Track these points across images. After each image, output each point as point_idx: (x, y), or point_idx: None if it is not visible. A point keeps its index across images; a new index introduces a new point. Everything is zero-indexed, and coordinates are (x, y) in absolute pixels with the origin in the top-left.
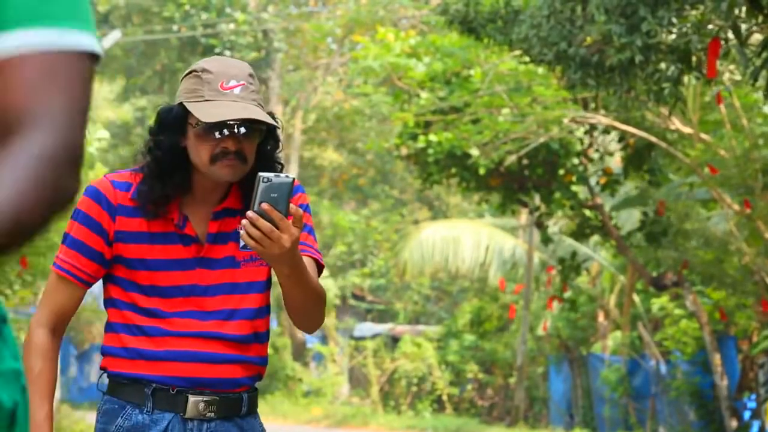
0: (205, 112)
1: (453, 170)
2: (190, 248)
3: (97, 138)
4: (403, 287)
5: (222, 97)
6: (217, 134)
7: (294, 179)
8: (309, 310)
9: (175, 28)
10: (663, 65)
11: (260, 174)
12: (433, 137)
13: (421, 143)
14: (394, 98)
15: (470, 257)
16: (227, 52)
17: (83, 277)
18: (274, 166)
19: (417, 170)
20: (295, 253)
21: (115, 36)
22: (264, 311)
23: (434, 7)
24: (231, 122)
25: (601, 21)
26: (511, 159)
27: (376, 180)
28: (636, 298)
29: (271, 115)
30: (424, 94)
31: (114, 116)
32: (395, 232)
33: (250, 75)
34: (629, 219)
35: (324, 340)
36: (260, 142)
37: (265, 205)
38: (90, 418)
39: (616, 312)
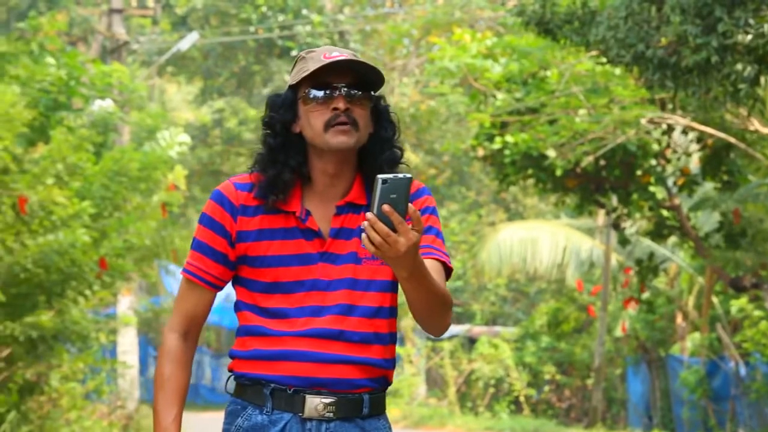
0: (311, 68)
1: (529, 171)
2: (313, 243)
3: (178, 142)
4: (480, 288)
5: (326, 62)
6: (324, 100)
7: (411, 178)
8: (432, 314)
9: (252, 30)
10: (739, 66)
11: (379, 176)
12: (509, 138)
13: (497, 144)
14: (470, 99)
15: (547, 258)
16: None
17: (210, 280)
18: (393, 151)
19: (493, 171)
20: (415, 257)
21: (192, 38)
22: (385, 312)
23: (511, 8)
24: (337, 85)
25: (676, 22)
26: (588, 160)
27: (452, 181)
28: (715, 299)
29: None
30: (500, 95)
31: (192, 118)
32: (472, 234)
33: (354, 54)
34: (708, 220)
35: (401, 341)
36: (377, 126)
37: (385, 207)
38: None
39: (695, 313)
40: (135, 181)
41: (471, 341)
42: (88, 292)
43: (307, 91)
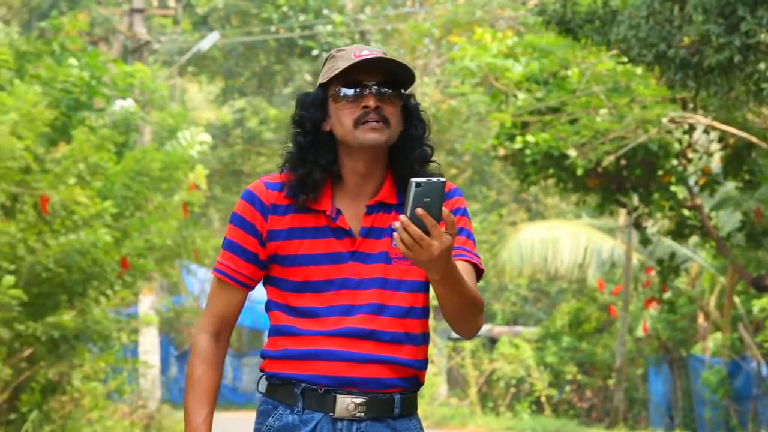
0: (339, 71)
1: (550, 171)
2: (344, 242)
3: (199, 141)
4: (501, 288)
5: (357, 60)
6: (355, 98)
7: (446, 181)
8: (464, 316)
9: (273, 29)
10: (762, 65)
11: (412, 179)
12: (530, 138)
13: (518, 144)
14: (491, 99)
15: (568, 258)
16: (324, 54)
17: (240, 279)
18: (423, 149)
19: (514, 171)
20: (448, 261)
21: (213, 38)
22: (417, 312)
23: (532, 7)
24: (368, 83)
25: (699, 21)
26: (609, 159)
27: (473, 181)
28: (736, 299)
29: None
30: (521, 95)
31: (213, 118)
32: (493, 233)
33: (384, 53)
34: (729, 219)
35: None
36: (407, 125)
37: (419, 210)
38: None
39: (717, 313)
40: (156, 180)
41: (492, 341)
42: (109, 291)
43: (337, 89)
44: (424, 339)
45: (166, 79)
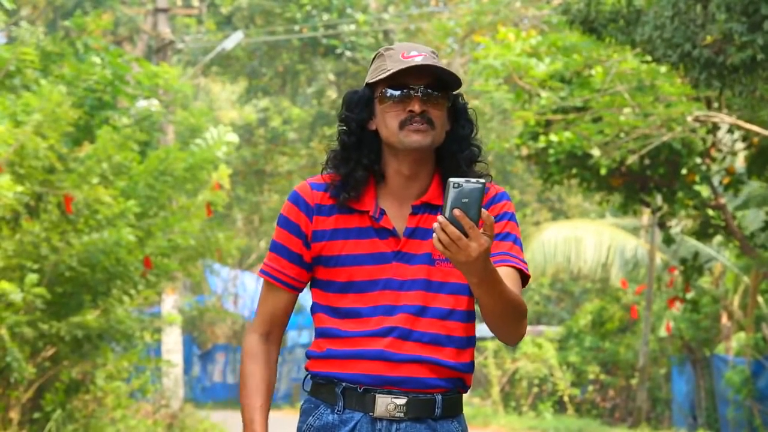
0: (387, 74)
1: (574, 170)
2: (388, 241)
3: (225, 142)
4: (524, 288)
5: (404, 63)
6: (401, 100)
7: (485, 184)
8: (505, 321)
9: (296, 29)
10: None
11: (450, 179)
12: (553, 137)
13: (541, 143)
14: (515, 97)
15: (592, 258)
16: (348, 53)
17: (286, 280)
18: (471, 149)
19: (538, 170)
20: (486, 263)
21: (237, 37)
22: (459, 314)
23: (555, 6)
24: (415, 86)
25: (722, 20)
26: (633, 158)
27: (497, 180)
28: (760, 299)
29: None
30: (544, 94)
31: (237, 117)
32: None
33: (433, 52)
34: (755, 219)
35: None
36: (455, 124)
37: (456, 212)
38: (214, 417)
39: (740, 313)
40: (180, 180)
41: None
42: (133, 291)
43: (383, 90)
44: (468, 342)
45: (189, 79)
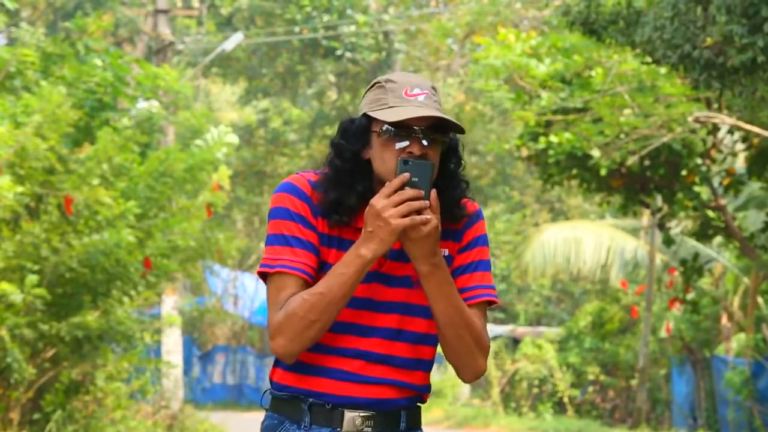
0: (390, 114)
1: (574, 171)
2: None
3: (225, 142)
4: (524, 289)
5: (407, 103)
6: (401, 142)
7: (433, 164)
8: (460, 342)
9: (296, 30)
10: None
11: (401, 157)
12: (553, 138)
13: (541, 144)
14: (515, 98)
15: (591, 259)
16: (348, 54)
17: (307, 270)
18: (460, 184)
19: (537, 171)
20: (434, 246)
21: (237, 38)
22: (431, 339)
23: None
24: (415, 126)
25: (722, 22)
26: (633, 159)
27: (496, 181)
28: (760, 299)
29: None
30: (544, 94)
31: (237, 118)
32: (516, 234)
33: (433, 87)
34: (755, 220)
35: None
36: (444, 159)
37: (408, 190)
38: (213, 418)
39: (740, 314)
40: (180, 181)
41: (515, 341)
42: (133, 292)
43: (383, 126)
44: (432, 364)
45: (189, 80)
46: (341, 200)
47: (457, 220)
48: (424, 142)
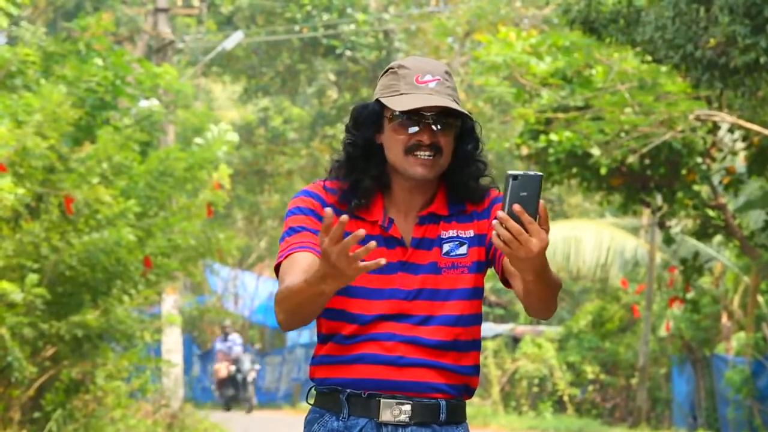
0: (400, 102)
1: (574, 170)
2: (395, 251)
3: (226, 141)
4: None
5: (417, 90)
6: (411, 128)
7: (542, 175)
8: (547, 304)
9: (297, 29)
10: None
11: (508, 172)
12: (553, 137)
13: (542, 143)
14: (516, 95)
15: (591, 257)
16: (348, 53)
17: (306, 245)
18: (477, 165)
19: (537, 170)
20: (543, 258)
21: (237, 37)
22: (466, 319)
23: (556, 6)
24: (426, 113)
25: (725, 22)
26: (633, 157)
27: (497, 180)
28: (760, 298)
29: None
30: (545, 92)
31: (236, 117)
32: None
33: (446, 72)
34: (755, 219)
35: None
36: (460, 141)
37: (516, 207)
38: (213, 417)
39: (740, 313)
40: (180, 180)
41: (515, 340)
42: (133, 290)
43: (394, 112)
44: (473, 345)
45: (190, 79)
46: (357, 184)
47: (477, 200)
48: (435, 128)
